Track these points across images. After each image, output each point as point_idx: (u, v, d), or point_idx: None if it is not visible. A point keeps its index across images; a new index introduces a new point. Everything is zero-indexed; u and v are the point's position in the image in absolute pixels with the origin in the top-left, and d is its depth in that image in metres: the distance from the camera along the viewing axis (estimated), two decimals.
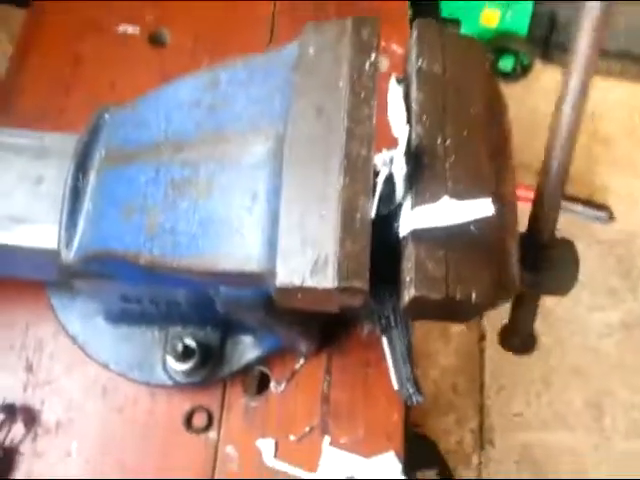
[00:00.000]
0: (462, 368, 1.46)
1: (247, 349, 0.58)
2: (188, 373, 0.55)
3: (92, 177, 0.41)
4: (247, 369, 0.60)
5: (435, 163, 0.38)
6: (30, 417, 0.59)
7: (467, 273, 0.35)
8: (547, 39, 1.60)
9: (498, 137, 0.41)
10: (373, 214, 0.36)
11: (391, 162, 0.37)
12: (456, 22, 1.52)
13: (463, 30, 1.55)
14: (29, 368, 0.60)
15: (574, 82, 0.36)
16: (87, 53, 0.77)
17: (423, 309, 0.36)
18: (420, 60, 0.40)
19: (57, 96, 0.73)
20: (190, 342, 0.54)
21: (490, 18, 1.53)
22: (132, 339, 0.57)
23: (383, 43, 0.77)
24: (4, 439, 0.57)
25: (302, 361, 0.61)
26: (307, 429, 0.59)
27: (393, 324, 0.42)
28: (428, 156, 0.37)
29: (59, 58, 0.76)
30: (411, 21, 0.80)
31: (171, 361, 0.54)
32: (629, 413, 1.42)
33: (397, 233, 0.37)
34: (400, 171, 0.36)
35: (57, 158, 0.44)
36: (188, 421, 0.59)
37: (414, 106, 0.40)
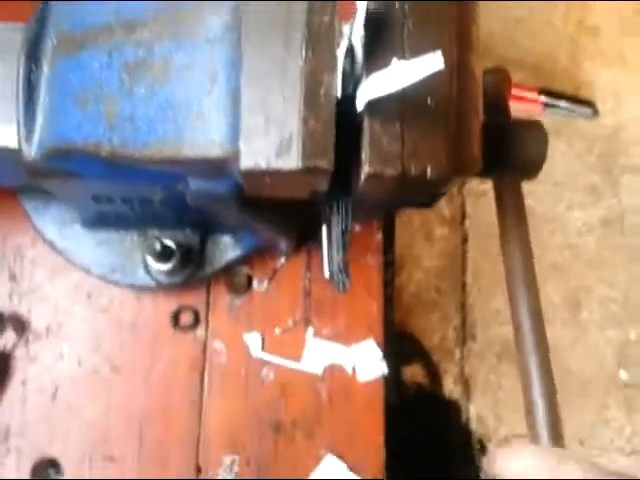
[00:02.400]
0: (445, 269, 1.50)
1: (227, 249, 0.58)
2: (170, 273, 0.56)
3: (45, 67, 0.39)
4: (229, 269, 0.61)
5: (393, 30, 0.35)
6: (19, 324, 0.60)
7: (423, 148, 0.34)
8: None
9: (462, 11, 0.39)
10: (339, 90, 0.34)
11: (351, 33, 0.34)
12: None
13: None
14: (12, 277, 0.61)
15: None
16: None
17: (380, 188, 0.36)
18: None
19: None
20: (168, 242, 0.54)
21: None
22: (111, 244, 0.57)
23: None
24: None
25: (283, 259, 0.62)
26: (291, 322, 0.61)
27: (335, 212, 0.40)
28: (385, 23, 0.35)
29: None
30: None
31: (151, 261, 0.55)
32: (605, 306, 1.48)
33: (356, 114, 0.35)
34: (360, 42, 0.34)
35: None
36: (175, 319, 0.60)
37: None
